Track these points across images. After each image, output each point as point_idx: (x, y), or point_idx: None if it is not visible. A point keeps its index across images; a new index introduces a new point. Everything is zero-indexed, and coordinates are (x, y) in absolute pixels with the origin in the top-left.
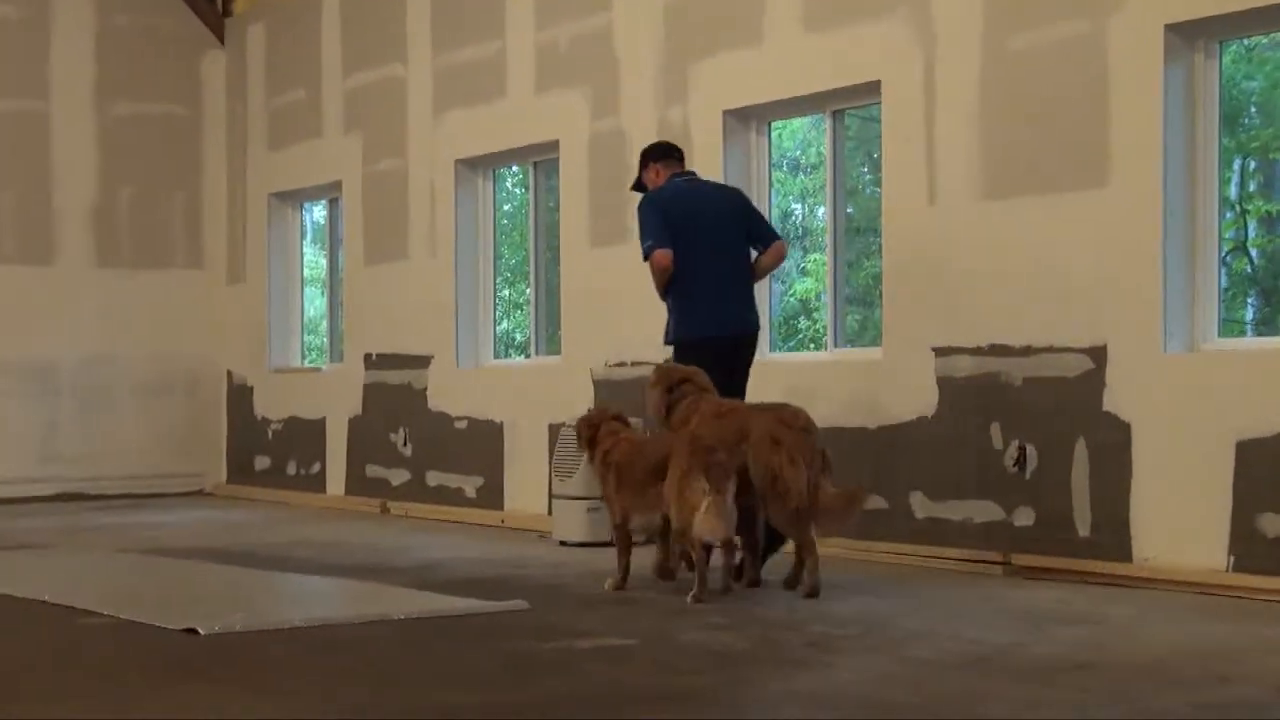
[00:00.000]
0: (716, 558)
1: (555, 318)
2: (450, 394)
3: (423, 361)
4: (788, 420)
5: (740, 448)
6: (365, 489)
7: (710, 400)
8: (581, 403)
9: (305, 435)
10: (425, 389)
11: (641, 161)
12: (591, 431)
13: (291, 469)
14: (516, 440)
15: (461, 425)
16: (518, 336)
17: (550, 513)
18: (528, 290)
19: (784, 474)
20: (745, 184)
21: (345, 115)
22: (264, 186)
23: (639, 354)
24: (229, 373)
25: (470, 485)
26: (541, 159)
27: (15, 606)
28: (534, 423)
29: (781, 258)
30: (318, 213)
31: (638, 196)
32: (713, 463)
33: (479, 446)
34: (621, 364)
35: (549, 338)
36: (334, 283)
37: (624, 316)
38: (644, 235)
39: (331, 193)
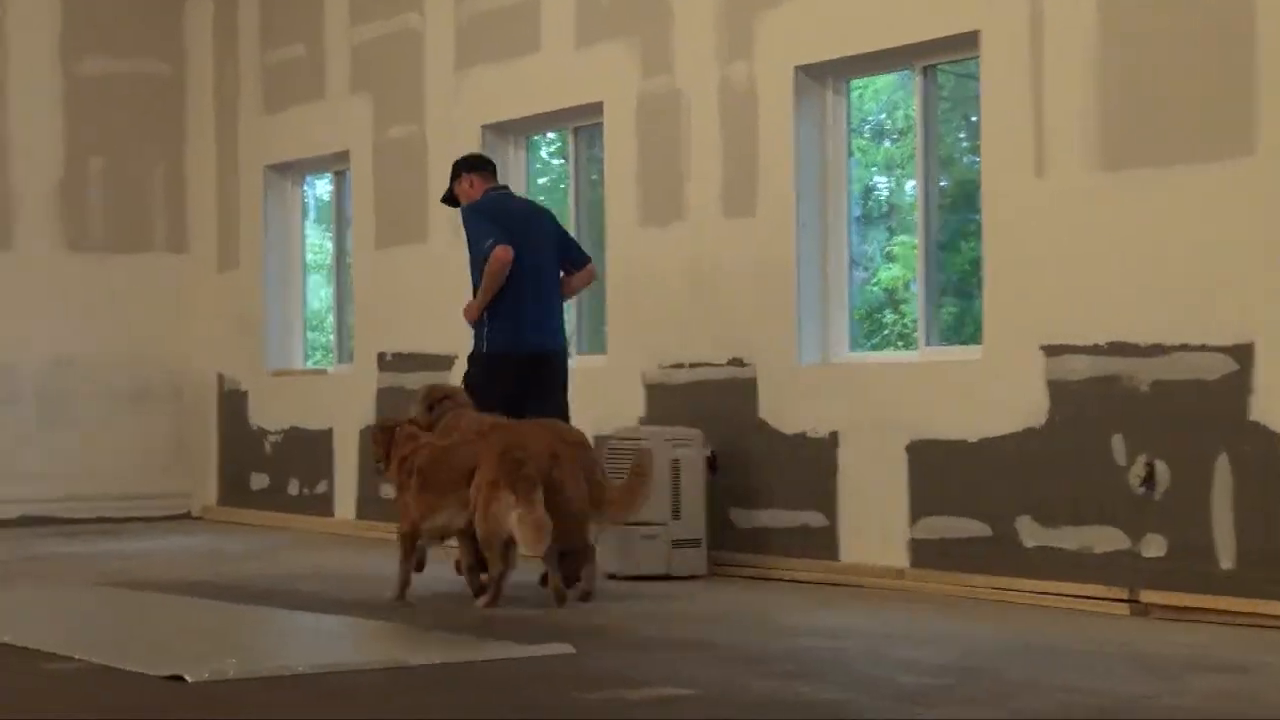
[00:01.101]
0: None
1: (600, 310)
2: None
3: (445, 362)
4: (565, 435)
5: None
6: (380, 512)
7: (470, 416)
8: (632, 412)
9: (309, 449)
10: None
11: (454, 172)
12: (386, 437)
13: (294, 489)
14: None
15: None
16: None
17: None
18: None
19: (565, 487)
20: (819, 153)
21: (352, 73)
22: (259, 157)
23: (698, 354)
24: (219, 376)
25: None
26: (583, 124)
27: None
28: None
29: (591, 279)
30: (321, 188)
31: (704, 168)
32: (521, 475)
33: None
34: (679, 365)
35: (593, 334)
36: (341, 270)
37: (681, 309)
38: (479, 237)
39: (337, 164)
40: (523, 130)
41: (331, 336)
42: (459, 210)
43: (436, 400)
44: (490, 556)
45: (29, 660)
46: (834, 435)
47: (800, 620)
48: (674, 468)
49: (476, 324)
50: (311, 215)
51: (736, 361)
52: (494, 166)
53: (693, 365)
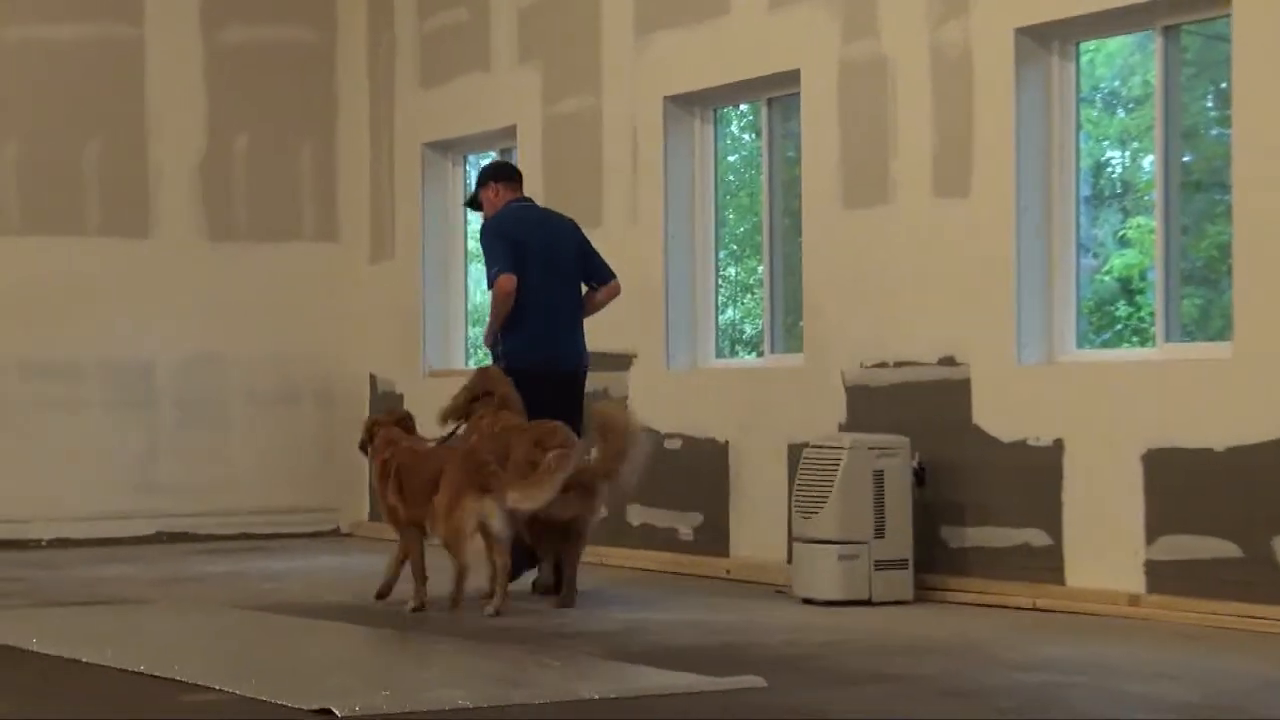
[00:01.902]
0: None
1: (796, 304)
2: (658, 404)
3: (622, 361)
4: (544, 440)
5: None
6: None
7: (494, 417)
8: (831, 417)
9: None
10: (626, 397)
11: (480, 179)
12: (368, 435)
13: None
14: (745, 465)
15: (673, 445)
16: (747, 329)
17: (790, 561)
18: (760, 268)
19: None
20: (1043, 125)
21: (520, 41)
22: (416, 134)
23: (905, 351)
24: (372, 377)
25: (685, 524)
26: (777, 95)
27: (102, 678)
28: (768, 442)
29: (615, 296)
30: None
31: (912, 143)
32: (484, 479)
33: (696, 473)
34: (882, 364)
35: (788, 330)
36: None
37: (887, 301)
38: (489, 261)
39: (503, 141)
40: (710, 102)
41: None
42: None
43: (481, 394)
44: (455, 561)
45: (165, 691)
46: (1059, 443)
47: (1020, 652)
48: (877, 479)
49: (494, 343)
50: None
51: (948, 360)
52: (520, 176)
53: (898, 364)
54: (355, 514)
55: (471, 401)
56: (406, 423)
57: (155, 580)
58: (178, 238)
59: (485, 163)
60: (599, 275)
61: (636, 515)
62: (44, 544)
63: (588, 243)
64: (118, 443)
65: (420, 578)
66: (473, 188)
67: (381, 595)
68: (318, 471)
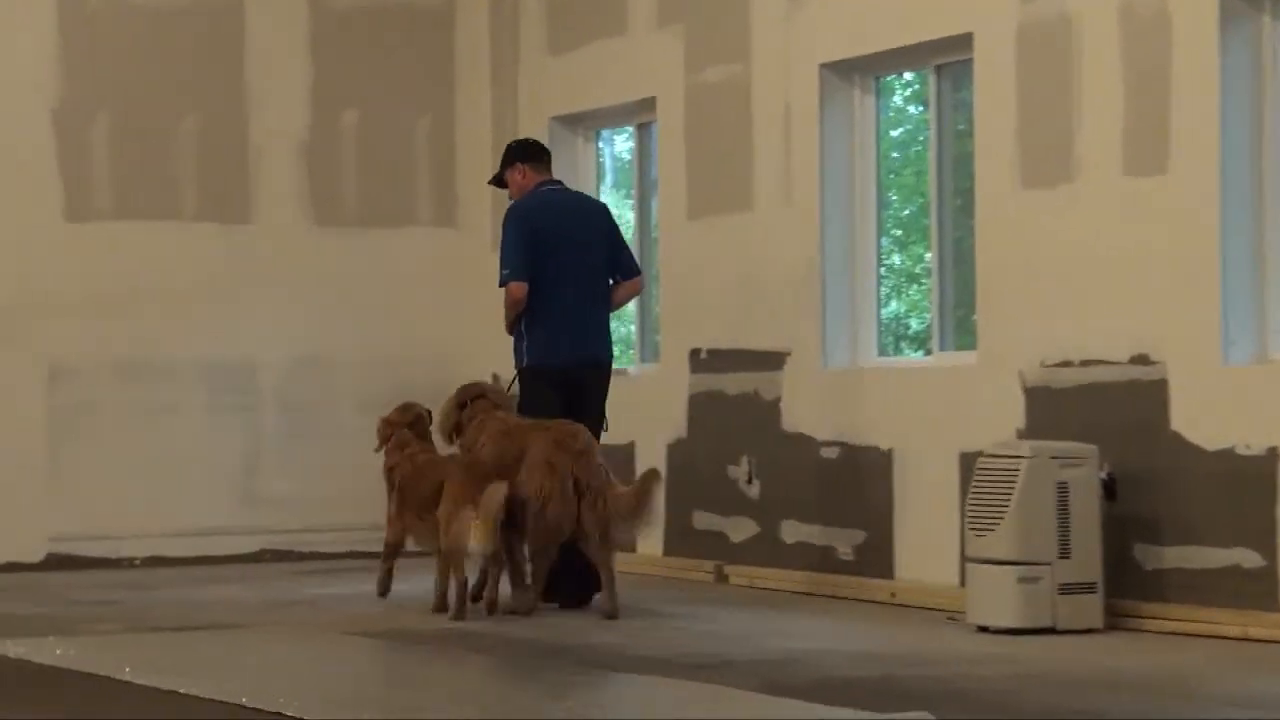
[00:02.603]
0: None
1: (968, 295)
2: (815, 407)
3: (775, 360)
4: (564, 442)
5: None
6: (692, 546)
7: (499, 418)
8: (1008, 422)
9: (610, 466)
10: (778, 400)
11: (506, 158)
12: (388, 433)
13: None
14: (912, 477)
15: (831, 454)
16: (913, 323)
17: (963, 584)
18: (927, 255)
19: (549, 507)
20: (1252, 92)
21: (660, 2)
22: (543, 107)
23: (1092, 348)
24: (496, 380)
25: (844, 542)
26: (946, 61)
27: (201, 712)
28: (938, 450)
29: (636, 294)
30: (621, 144)
31: (1101, 114)
32: (483, 492)
33: (856, 486)
34: (1066, 363)
35: (959, 325)
36: (645, 246)
37: (1071, 292)
38: (505, 258)
39: (641, 115)
40: (871, 69)
41: (633, 328)
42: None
43: (470, 399)
44: (452, 569)
45: None
46: (1272, 451)
47: (1228, 688)
48: (1060, 492)
49: (516, 338)
50: (609, 179)
51: (1141, 359)
52: (549, 156)
53: (1085, 363)
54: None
55: (460, 408)
56: (420, 424)
57: (259, 603)
58: (281, 223)
59: (513, 140)
60: (624, 269)
61: (791, 532)
62: (137, 563)
63: (617, 231)
64: (217, 452)
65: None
66: (503, 164)
67: (439, 610)
68: None
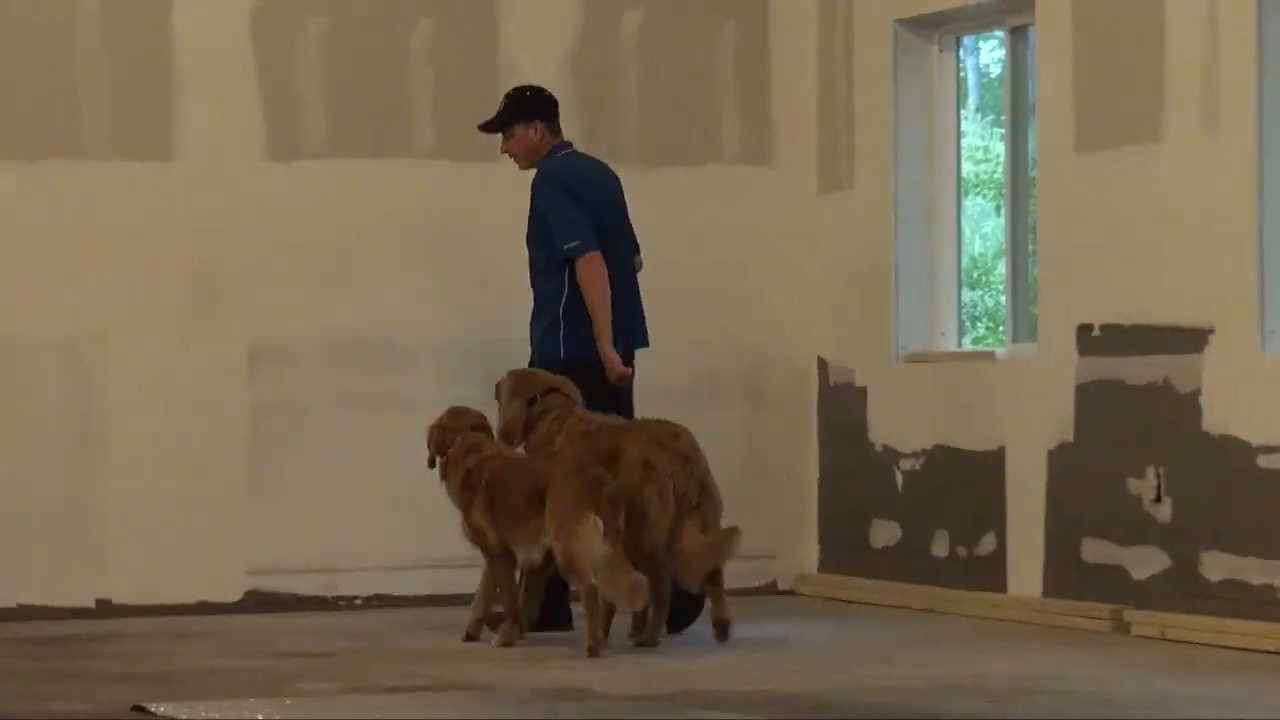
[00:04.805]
0: None
1: None
2: (1249, 401)
3: (1192, 340)
4: (665, 441)
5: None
6: (1082, 584)
7: (578, 415)
8: None
9: (966, 482)
10: (1197, 392)
11: (522, 109)
12: (444, 437)
13: (941, 547)
14: None
15: (1270, 462)
16: None
17: None
18: None
19: (649, 510)
20: None
21: None
22: (886, 6)
23: None
24: (821, 362)
25: None
26: None
27: None
28: None
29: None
30: (988, 54)
31: None
32: (601, 498)
33: None
34: None
35: None
36: (1018, 187)
37: None
38: (567, 228)
39: (1015, 15)
40: None
41: (1003, 298)
42: (538, 177)
43: (541, 394)
44: (581, 588)
45: None
46: None
47: None
48: None
49: (549, 324)
50: (970, 99)
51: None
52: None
53: None
54: (800, 563)
55: (529, 404)
56: (485, 428)
57: (514, 658)
58: None
59: (524, 88)
60: (635, 246)
61: (1215, 566)
62: (358, 602)
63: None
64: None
65: (512, 611)
66: (503, 108)
67: (471, 637)
68: (744, 501)
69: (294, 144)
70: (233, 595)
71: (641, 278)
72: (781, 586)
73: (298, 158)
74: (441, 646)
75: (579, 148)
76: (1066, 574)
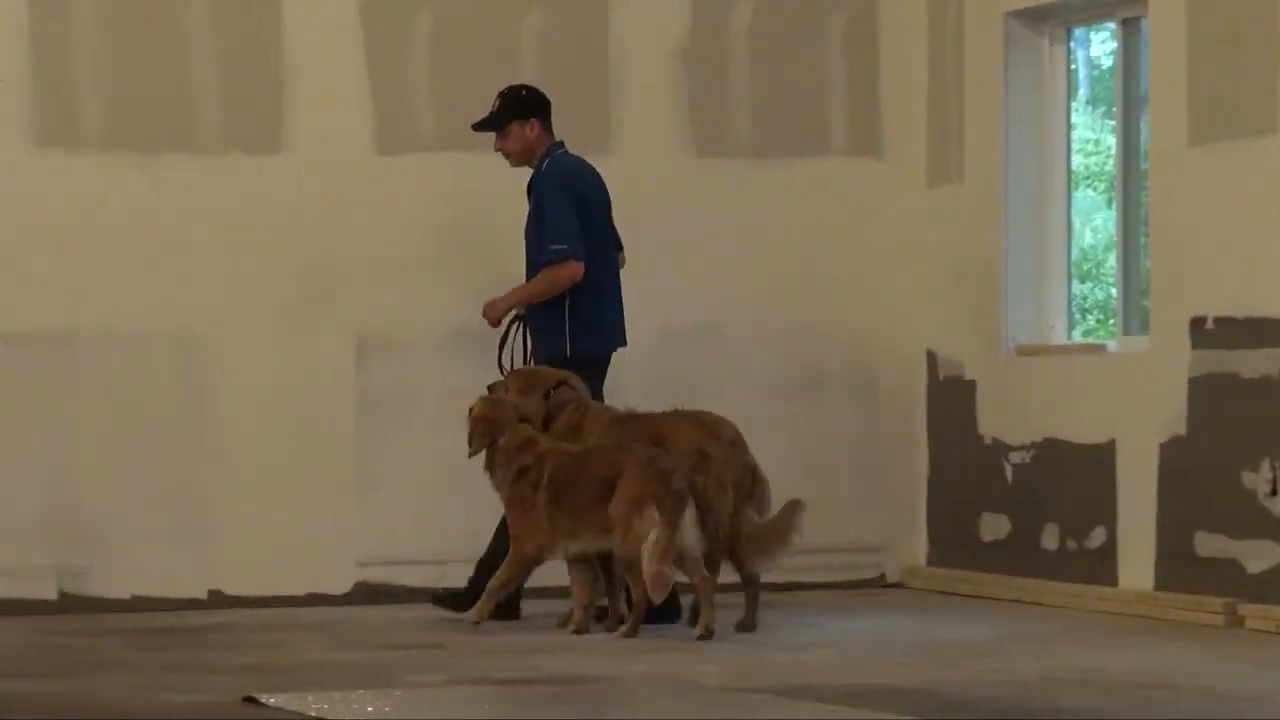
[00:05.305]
0: None
1: None
2: None
3: None
4: (715, 431)
5: None
6: (1194, 579)
7: (600, 407)
8: None
9: (1076, 475)
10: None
11: (520, 108)
12: (490, 429)
13: (1050, 540)
14: None
15: None
16: None
17: None
18: None
19: (711, 502)
20: None
21: None
22: (996, 0)
23: None
24: (930, 355)
25: None
26: None
27: None
28: None
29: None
30: (1099, 46)
31: None
32: (668, 490)
33: None
34: None
35: None
36: (1130, 180)
37: None
38: (561, 230)
39: (1127, 6)
40: None
41: (1114, 291)
42: (544, 177)
43: (553, 387)
44: (633, 582)
45: None
46: None
47: None
48: None
49: (553, 320)
50: (1081, 92)
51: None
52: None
53: None
54: (908, 555)
55: (544, 400)
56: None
57: (621, 650)
58: (648, 153)
59: (520, 86)
60: (619, 244)
61: None
62: None
63: None
64: None
65: (495, 597)
66: (500, 107)
67: (580, 630)
68: (853, 493)
69: (403, 137)
70: (342, 587)
71: (751, 269)
72: (890, 579)
73: (407, 150)
74: (552, 639)
75: (690, 141)
76: (1179, 567)
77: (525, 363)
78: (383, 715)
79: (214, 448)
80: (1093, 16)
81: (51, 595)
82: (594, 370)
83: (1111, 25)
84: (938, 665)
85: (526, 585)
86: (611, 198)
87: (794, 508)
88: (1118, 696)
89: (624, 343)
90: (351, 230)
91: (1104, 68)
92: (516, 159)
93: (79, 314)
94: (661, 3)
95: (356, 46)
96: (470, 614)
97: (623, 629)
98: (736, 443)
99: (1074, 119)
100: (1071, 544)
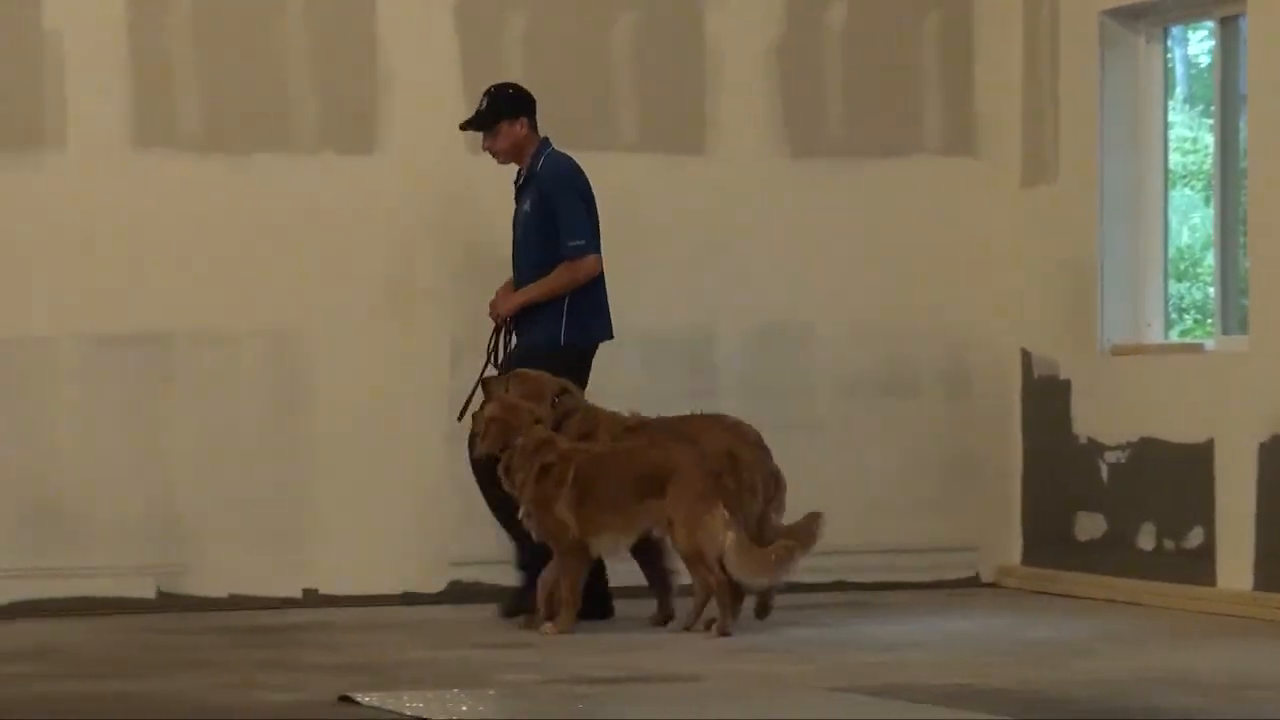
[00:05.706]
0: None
1: None
2: None
3: None
4: (741, 433)
5: None
6: None
7: (607, 413)
8: None
9: (1173, 475)
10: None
11: (513, 106)
12: (505, 430)
13: (1147, 539)
14: None
15: None
16: None
17: None
18: None
19: (742, 503)
20: None
21: None
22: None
23: None
24: (1024, 354)
25: None
26: None
27: None
28: None
29: None
30: (1197, 45)
31: None
32: (727, 489)
33: None
34: None
35: None
36: (1229, 178)
37: None
38: (577, 225)
39: (1224, 6)
40: None
41: (1212, 291)
42: (549, 174)
43: (557, 394)
44: (698, 575)
45: None
46: None
47: None
48: None
49: (550, 311)
50: (1179, 90)
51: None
52: None
53: None
54: (1004, 555)
55: (552, 404)
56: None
57: (711, 650)
58: (744, 152)
59: (506, 85)
60: None
61: None
62: None
63: None
64: None
65: (571, 603)
66: (488, 106)
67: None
68: (946, 493)
69: None
70: (436, 586)
71: (845, 268)
72: (984, 579)
73: None
74: (642, 637)
75: (784, 141)
76: (1279, 568)
77: (506, 358)
78: (477, 714)
79: (308, 447)
80: (1190, 15)
81: (150, 594)
82: (582, 361)
83: (1210, 24)
84: (1032, 665)
85: (615, 585)
86: (705, 198)
87: (815, 519)
88: (1215, 696)
89: (611, 335)
90: (446, 230)
91: (1202, 66)
92: (505, 157)
93: (176, 315)
94: (755, 3)
95: (451, 47)
96: (551, 626)
97: (715, 626)
98: (761, 445)
99: (1171, 117)
100: (1169, 544)
